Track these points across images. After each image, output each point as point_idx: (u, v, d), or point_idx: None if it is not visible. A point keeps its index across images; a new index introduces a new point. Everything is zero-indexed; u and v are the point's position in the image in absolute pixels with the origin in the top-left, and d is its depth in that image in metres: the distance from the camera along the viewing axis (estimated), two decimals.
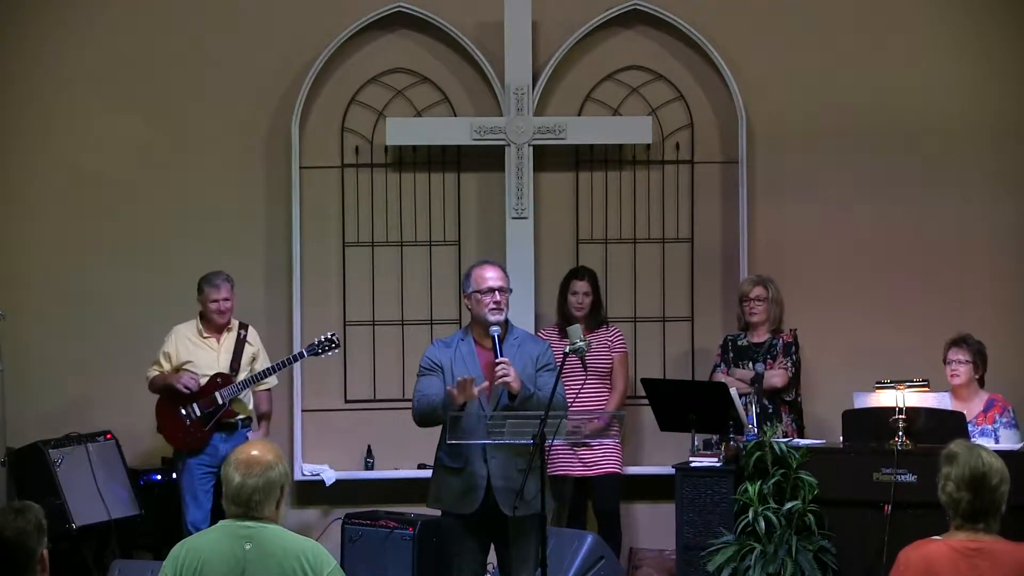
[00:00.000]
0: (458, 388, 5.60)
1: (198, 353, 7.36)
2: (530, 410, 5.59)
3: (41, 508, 3.89)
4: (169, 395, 7.31)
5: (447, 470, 5.82)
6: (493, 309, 5.75)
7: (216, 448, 7.25)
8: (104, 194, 8.18)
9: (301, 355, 7.41)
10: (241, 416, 7.41)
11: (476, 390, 5.60)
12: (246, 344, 7.46)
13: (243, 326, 7.49)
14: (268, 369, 7.42)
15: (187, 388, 7.23)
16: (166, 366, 7.35)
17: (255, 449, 4.13)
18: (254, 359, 7.49)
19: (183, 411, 7.27)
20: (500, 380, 5.64)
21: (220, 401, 7.27)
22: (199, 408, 7.26)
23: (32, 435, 7.59)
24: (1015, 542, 4.16)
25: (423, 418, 5.85)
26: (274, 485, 4.08)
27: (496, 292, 5.76)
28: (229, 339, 7.43)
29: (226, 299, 7.38)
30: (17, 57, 8.16)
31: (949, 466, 4.18)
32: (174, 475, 7.57)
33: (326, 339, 7.38)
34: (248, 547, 4.03)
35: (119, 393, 8.04)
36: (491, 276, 5.81)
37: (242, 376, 7.39)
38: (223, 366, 7.36)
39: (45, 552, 3.86)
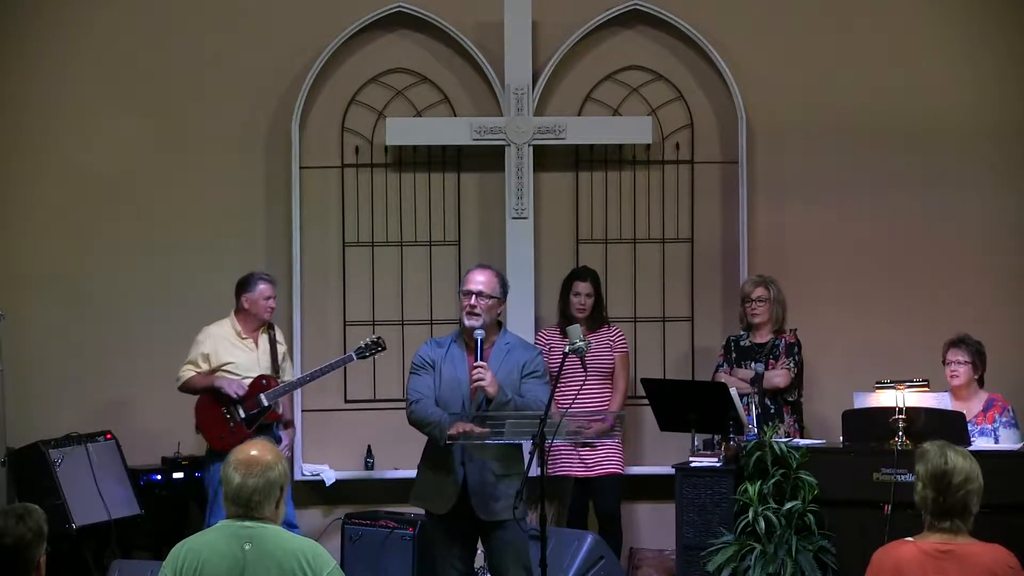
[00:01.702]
0: (466, 427, 5.66)
1: (238, 354, 7.33)
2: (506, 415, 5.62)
3: (43, 513, 3.89)
4: (210, 395, 7.27)
5: (427, 468, 5.90)
6: (468, 313, 5.79)
7: None
8: (104, 194, 8.18)
9: (350, 358, 7.38)
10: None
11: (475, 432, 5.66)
12: (277, 344, 7.47)
13: (270, 326, 7.49)
14: (316, 371, 7.40)
15: (237, 394, 7.20)
16: (204, 367, 7.31)
17: (254, 449, 4.13)
18: (284, 358, 7.50)
19: (226, 412, 7.25)
20: (475, 384, 5.68)
21: (265, 403, 7.26)
22: (243, 410, 7.24)
23: (32, 435, 7.58)
24: (987, 544, 4.16)
25: (418, 427, 5.89)
26: (274, 485, 4.08)
27: (473, 296, 5.77)
28: (264, 340, 7.43)
29: (275, 297, 7.41)
30: (17, 57, 8.15)
31: (919, 464, 4.21)
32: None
33: (372, 341, 7.38)
34: (248, 547, 4.03)
35: (119, 393, 8.05)
36: (471, 279, 5.84)
37: (286, 376, 7.41)
38: (264, 367, 7.35)
39: (43, 560, 3.86)
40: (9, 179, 8.18)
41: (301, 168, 8.14)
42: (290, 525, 7.10)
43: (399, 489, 8.05)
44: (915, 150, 8.21)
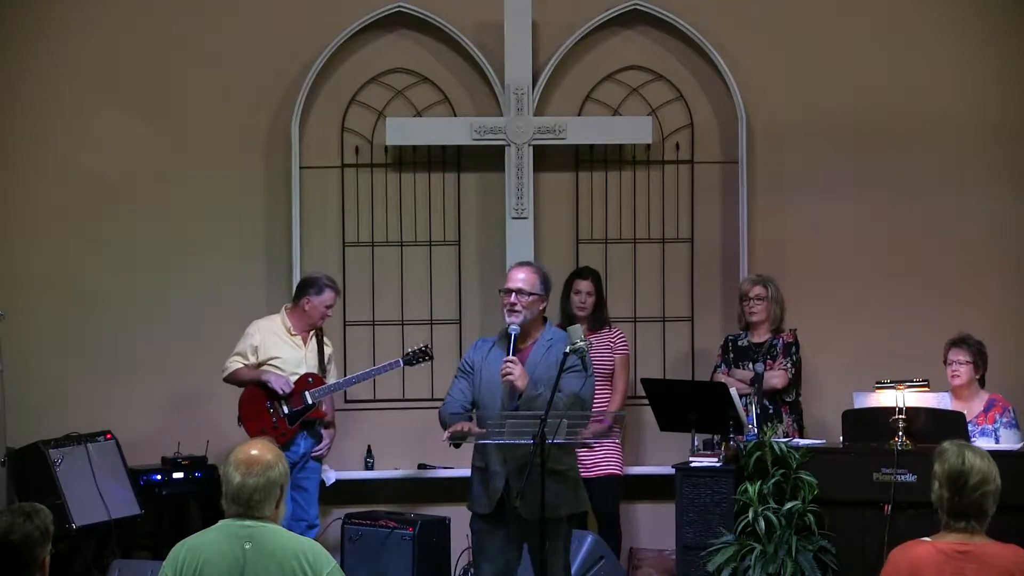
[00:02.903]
0: (460, 426, 5.70)
1: (286, 350, 7.34)
2: (537, 409, 5.60)
3: (50, 513, 3.89)
4: (255, 389, 7.28)
5: (475, 469, 5.90)
6: (508, 310, 5.83)
7: (297, 446, 7.27)
8: (104, 194, 8.18)
9: (397, 363, 7.43)
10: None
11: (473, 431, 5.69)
12: (324, 346, 7.48)
13: (320, 329, 7.49)
14: (363, 374, 7.44)
15: (283, 390, 7.21)
16: (251, 359, 7.32)
17: (255, 448, 4.12)
18: (330, 360, 7.51)
19: (270, 407, 7.26)
20: (504, 379, 5.71)
21: (310, 401, 7.27)
22: (287, 406, 7.26)
23: (32, 435, 7.58)
24: (1005, 544, 4.16)
25: (442, 425, 5.91)
26: (274, 485, 4.08)
27: (512, 294, 5.81)
28: (312, 340, 7.44)
29: (333, 307, 7.45)
30: (17, 57, 8.15)
31: (937, 463, 4.21)
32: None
33: (419, 349, 7.45)
34: (248, 547, 4.03)
35: (119, 393, 8.05)
36: (511, 277, 5.89)
37: (331, 379, 7.42)
38: (311, 366, 7.37)
39: (47, 559, 3.86)
40: (9, 179, 8.18)
41: (301, 168, 8.13)
42: (310, 526, 7.13)
43: (399, 489, 8.08)
44: (915, 150, 8.21)
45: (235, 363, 7.34)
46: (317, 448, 7.41)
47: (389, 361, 7.52)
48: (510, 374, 5.70)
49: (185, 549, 4.10)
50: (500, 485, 5.74)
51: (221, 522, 4.14)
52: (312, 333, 7.44)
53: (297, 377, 7.30)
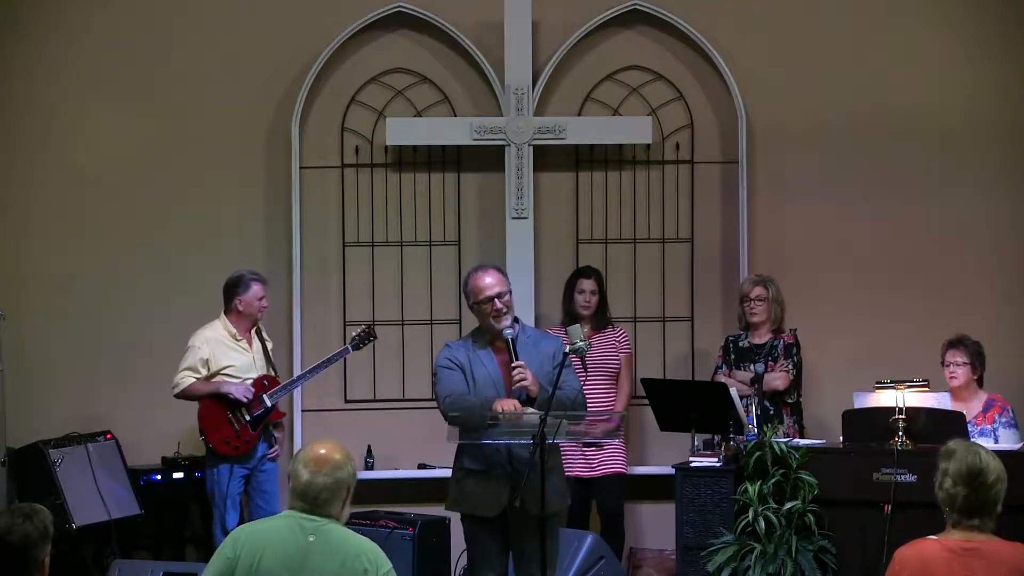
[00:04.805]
0: (504, 403, 5.59)
1: (236, 356, 7.29)
2: (552, 409, 5.56)
3: (50, 513, 3.89)
4: (214, 400, 7.21)
5: (469, 473, 5.76)
6: (497, 317, 5.71)
7: (256, 451, 7.26)
8: (104, 194, 8.18)
9: (347, 351, 7.40)
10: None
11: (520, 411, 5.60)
12: (265, 341, 7.46)
13: (258, 327, 7.47)
14: (315, 367, 7.40)
15: (245, 398, 7.17)
16: (203, 372, 7.25)
17: (324, 448, 4.15)
18: (272, 353, 7.49)
19: (230, 416, 7.21)
20: (519, 385, 5.62)
21: (268, 404, 7.24)
22: (247, 413, 7.22)
23: (32, 435, 7.59)
24: (1010, 542, 4.16)
25: (459, 417, 5.65)
26: (342, 485, 4.12)
27: (496, 300, 5.72)
28: (256, 339, 7.42)
29: (267, 296, 7.41)
30: (17, 57, 8.16)
31: (947, 462, 4.20)
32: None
33: (363, 332, 7.42)
34: (312, 539, 4.08)
35: (119, 393, 8.04)
36: (488, 284, 5.74)
37: (288, 376, 7.42)
38: (260, 367, 7.34)
39: (47, 560, 3.86)
40: (9, 179, 8.18)
41: (301, 168, 8.13)
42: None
43: (399, 489, 8.07)
44: (916, 150, 8.21)
45: (187, 378, 7.26)
46: (272, 450, 7.35)
47: (338, 349, 7.49)
48: (524, 380, 5.62)
49: (247, 532, 4.15)
50: (507, 487, 5.66)
51: (287, 511, 4.18)
52: (254, 331, 7.41)
53: (252, 381, 7.26)
